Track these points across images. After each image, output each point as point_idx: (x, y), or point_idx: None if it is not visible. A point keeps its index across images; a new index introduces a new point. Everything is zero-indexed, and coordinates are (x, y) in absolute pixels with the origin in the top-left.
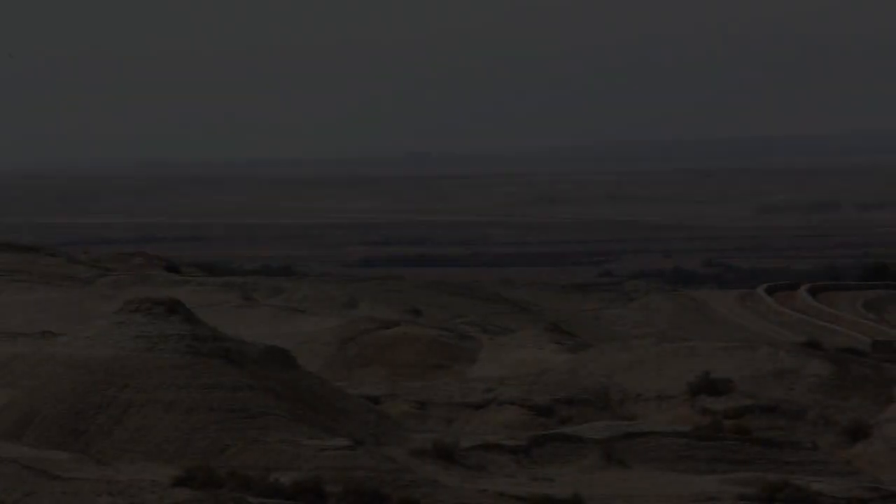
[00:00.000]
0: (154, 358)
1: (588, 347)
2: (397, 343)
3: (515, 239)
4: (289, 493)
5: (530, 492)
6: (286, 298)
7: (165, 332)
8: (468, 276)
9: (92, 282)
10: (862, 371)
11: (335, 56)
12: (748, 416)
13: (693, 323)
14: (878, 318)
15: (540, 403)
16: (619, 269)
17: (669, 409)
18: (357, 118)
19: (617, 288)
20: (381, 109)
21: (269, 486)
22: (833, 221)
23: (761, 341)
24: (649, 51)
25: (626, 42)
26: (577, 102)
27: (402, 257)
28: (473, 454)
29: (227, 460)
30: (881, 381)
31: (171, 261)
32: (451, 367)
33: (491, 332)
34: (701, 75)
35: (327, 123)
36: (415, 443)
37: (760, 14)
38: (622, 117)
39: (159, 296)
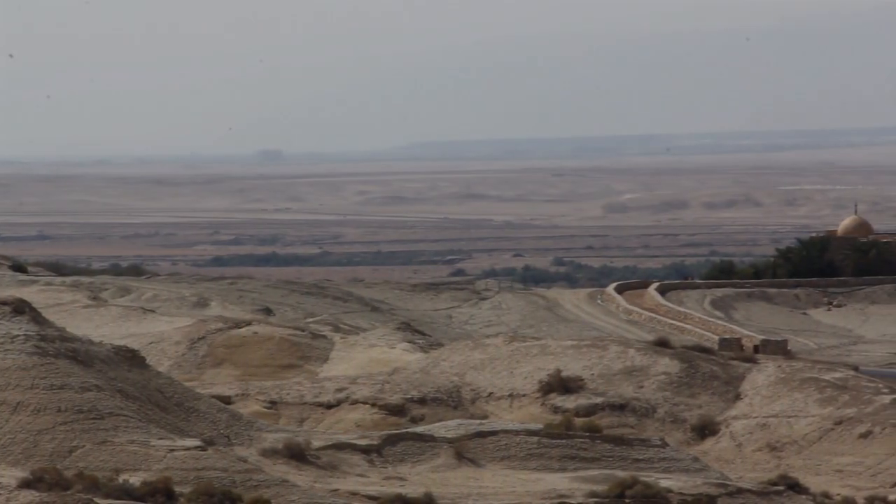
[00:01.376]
0: (0, 359)
1: (440, 346)
2: (249, 342)
3: (367, 238)
4: (138, 495)
5: (382, 491)
6: (135, 298)
7: (11, 333)
8: (320, 275)
9: None
10: (710, 369)
11: (186, 52)
12: (599, 414)
13: (544, 321)
14: (725, 316)
15: (392, 402)
16: (471, 268)
17: (521, 407)
18: (208, 116)
19: (468, 287)
20: (233, 107)
21: (118, 488)
22: (681, 220)
23: (611, 340)
24: (500, 51)
25: (477, 42)
26: (430, 102)
27: (254, 256)
28: (325, 454)
29: (75, 462)
30: (728, 378)
31: (16, 260)
32: (302, 366)
33: (343, 332)
34: (552, 75)
35: (178, 121)
36: (266, 442)
37: (610, 14)
38: (473, 116)
39: (5, 296)
